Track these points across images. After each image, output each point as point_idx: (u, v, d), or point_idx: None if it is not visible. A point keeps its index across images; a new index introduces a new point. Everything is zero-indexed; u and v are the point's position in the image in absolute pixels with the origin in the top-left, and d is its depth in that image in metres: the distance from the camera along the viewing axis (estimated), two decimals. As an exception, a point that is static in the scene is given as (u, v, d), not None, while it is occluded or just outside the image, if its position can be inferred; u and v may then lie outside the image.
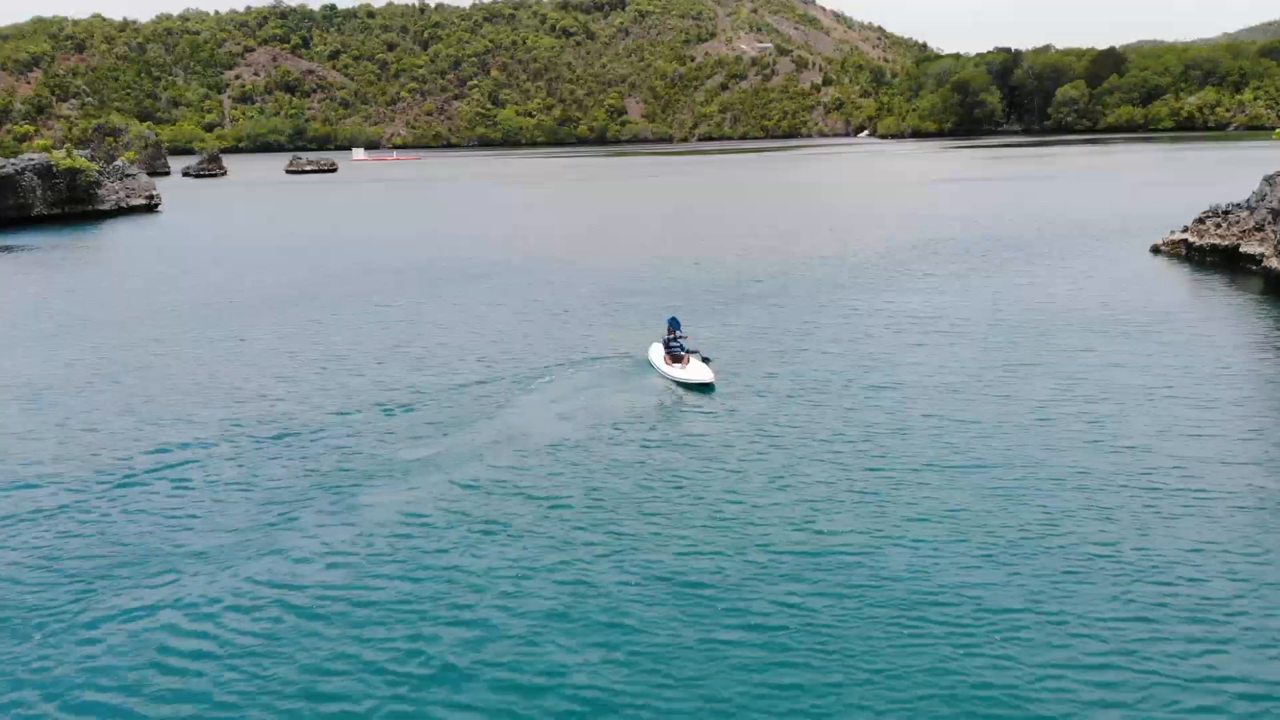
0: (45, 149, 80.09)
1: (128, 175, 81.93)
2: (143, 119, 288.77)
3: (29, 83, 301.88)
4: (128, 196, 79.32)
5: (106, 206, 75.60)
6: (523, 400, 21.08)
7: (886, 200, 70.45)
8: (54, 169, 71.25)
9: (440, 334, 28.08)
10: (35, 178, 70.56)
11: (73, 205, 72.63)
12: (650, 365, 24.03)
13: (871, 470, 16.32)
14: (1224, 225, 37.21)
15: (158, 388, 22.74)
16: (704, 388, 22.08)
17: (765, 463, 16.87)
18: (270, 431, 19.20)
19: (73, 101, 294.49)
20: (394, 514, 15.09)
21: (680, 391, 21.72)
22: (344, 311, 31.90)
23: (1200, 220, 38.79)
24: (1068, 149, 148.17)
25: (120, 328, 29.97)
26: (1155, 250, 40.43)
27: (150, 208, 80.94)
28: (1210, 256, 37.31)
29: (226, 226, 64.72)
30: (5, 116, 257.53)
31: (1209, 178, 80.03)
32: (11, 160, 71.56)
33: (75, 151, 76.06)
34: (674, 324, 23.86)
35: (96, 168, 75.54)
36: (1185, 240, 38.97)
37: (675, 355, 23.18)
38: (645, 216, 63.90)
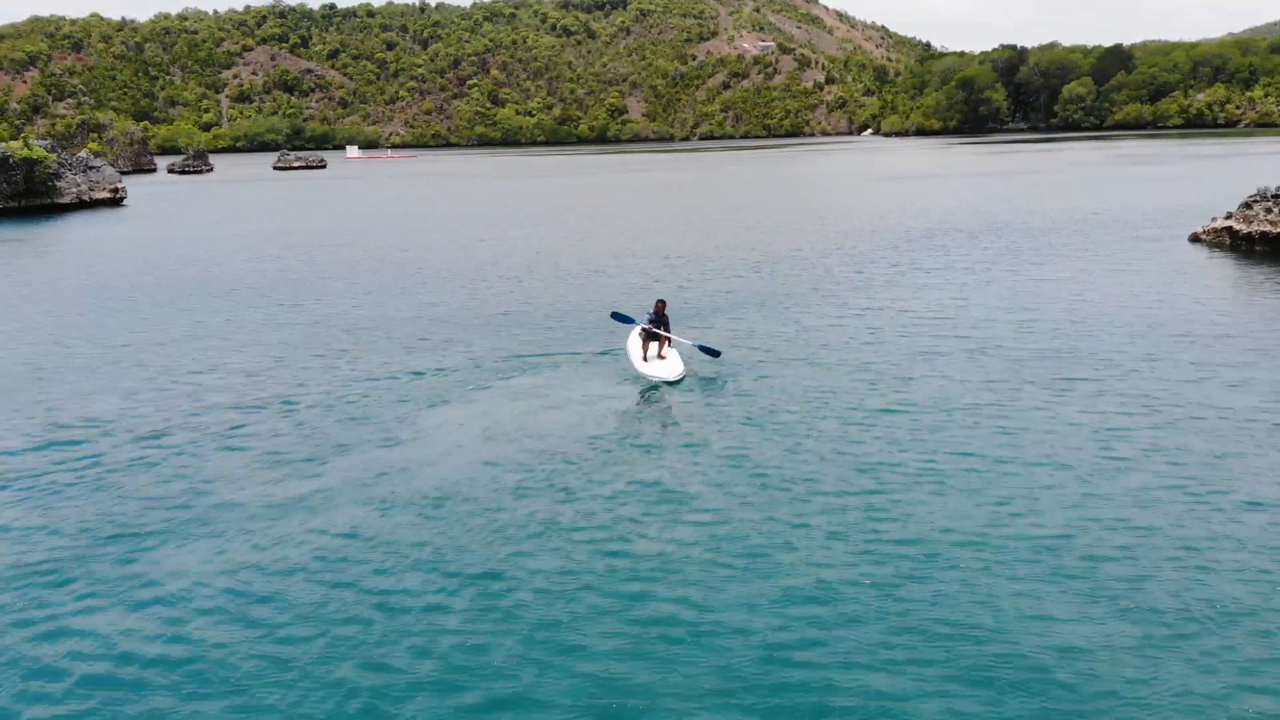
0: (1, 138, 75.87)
1: (91, 168, 77.77)
2: (140, 118, 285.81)
3: (25, 82, 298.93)
4: (90, 189, 75.16)
5: (66, 199, 71.48)
6: (447, 414, 16.69)
7: (893, 194, 65.89)
8: (10, 160, 67.10)
9: (371, 333, 23.59)
10: (-10, 169, 66.48)
11: (30, 198, 68.53)
12: (628, 356, 20.18)
13: (879, 531, 11.58)
14: (1275, 210, 32.84)
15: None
16: (671, 384, 18.35)
17: (738, 514, 12.26)
18: (96, 452, 14.89)
19: (69, 100, 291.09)
20: (217, 576, 10.75)
21: (645, 405, 17.28)
22: (269, 309, 27.54)
23: (1247, 205, 34.40)
24: (1077, 145, 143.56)
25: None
26: (1195, 239, 36.07)
27: (115, 201, 76.85)
28: (1260, 245, 32.94)
29: (188, 221, 60.39)
30: (1, 115, 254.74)
31: (1225, 170, 75.73)
32: (-36, 151, 67.48)
33: (34, 142, 71.83)
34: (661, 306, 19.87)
35: (55, 158, 71.38)
36: (1229, 228, 34.60)
37: (653, 332, 19.38)
38: (631, 210, 59.47)
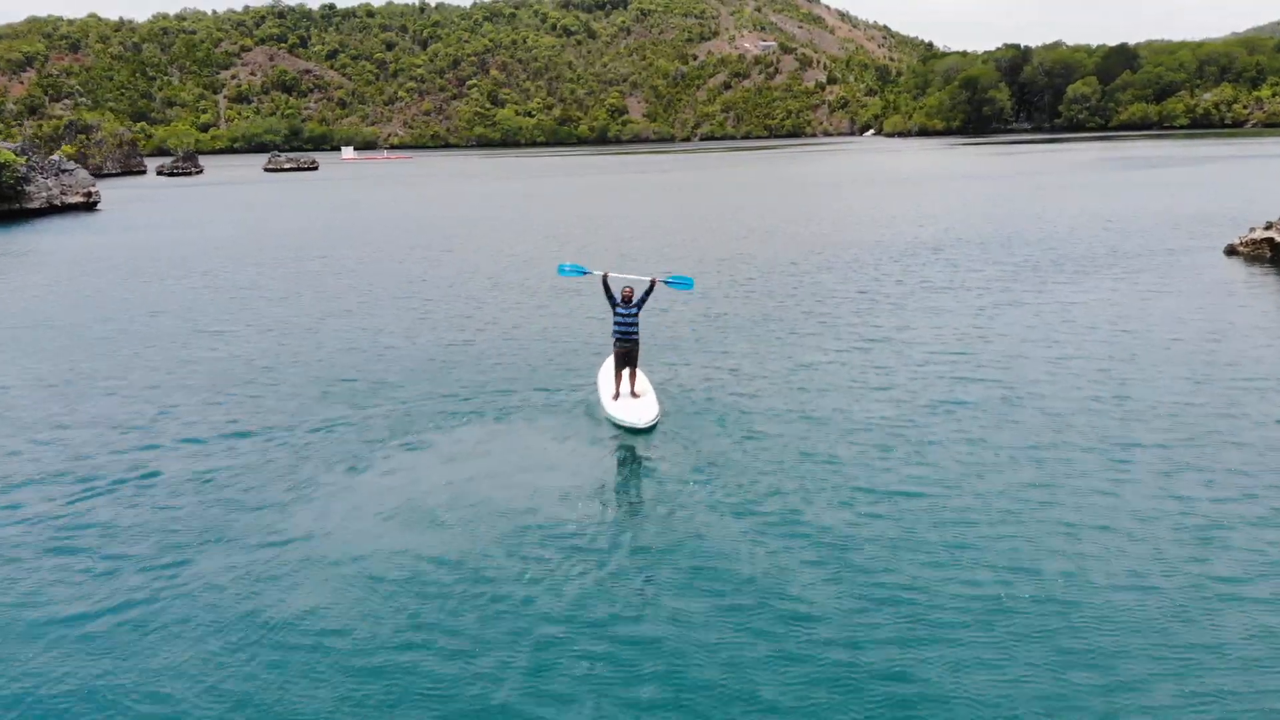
0: (-38, 140, 72.64)
1: (64, 171, 74.58)
2: (137, 119, 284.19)
3: (22, 83, 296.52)
4: (62, 194, 72.03)
5: (36, 204, 68.36)
6: (358, 485, 13.43)
7: (896, 198, 62.53)
8: (-26, 163, 64.04)
9: (286, 373, 20.17)
10: (-48, 173, 63.38)
11: (-4, 203, 65.50)
12: (597, 389, 17.46)
13: (896, 700, 8.42)
14: (1324, 221, 29.57)
15: None
16: (641, 432, 15.50)
17: (700, 667, 9.07)
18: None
19: (66, 101, 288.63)
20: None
21: (604, 472, 13.98)
22: (175, 341, 24.21)
23: (1291, 215, 31.16)
24: (1083, 145, 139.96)
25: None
26: (1231, 251, 32.78)
27: (88, 206, 73.74)
28: (1307, 260, 29.71)
29: (152, 229, 57.16)
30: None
31: (1241, 172, 72.49)
32: (-74, 154, 64.44)
33: (2, 145, 68.62)
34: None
35: (23, 161, 68.18)
36: (1270, 239, 31.32)
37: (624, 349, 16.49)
38: (620, 213, 56.10)
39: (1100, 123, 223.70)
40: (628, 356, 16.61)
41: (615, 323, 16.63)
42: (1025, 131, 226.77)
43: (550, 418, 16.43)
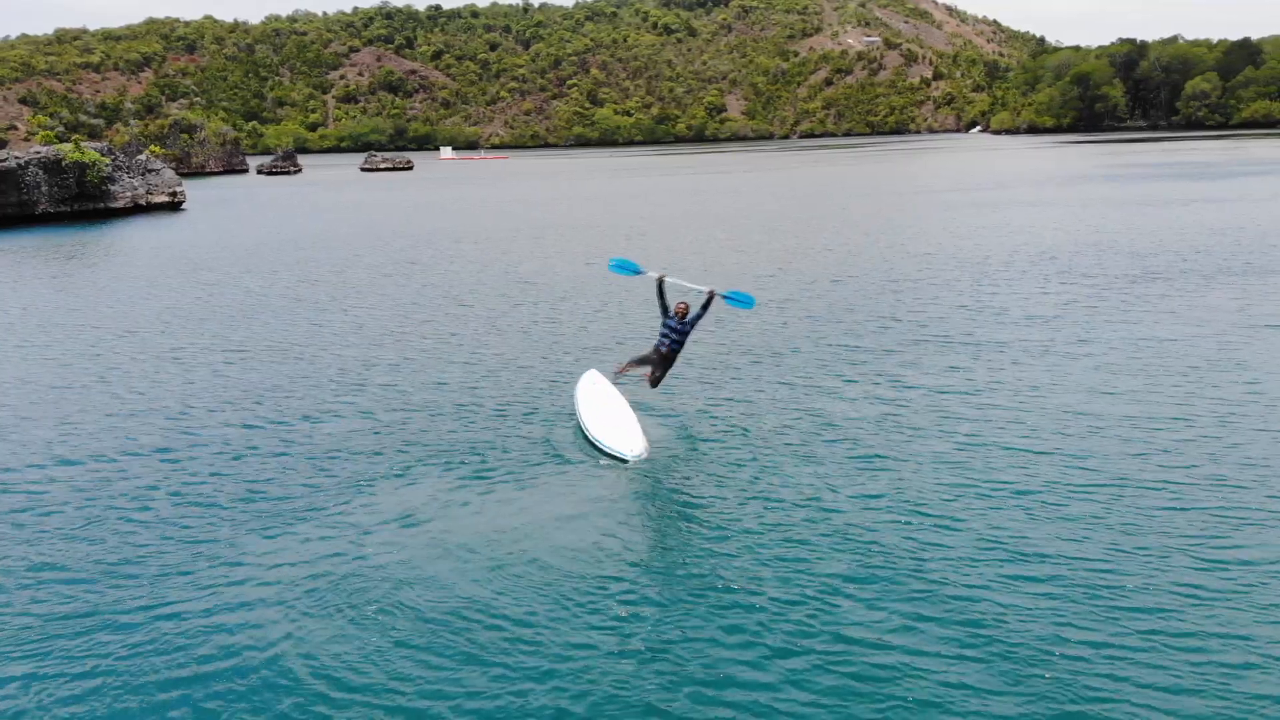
0: (49, 141, 74.08)
1: (150, 171, 75.52)
2: (249, 119, 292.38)
3: (140, 83, 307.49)
4: (148, 194, 72.97)
5: (120, 204, 69.30)
6: (264, 570, 11.55)
7: (1003, 206, 58.67)
8: (62, 163, 65.09)
9: (231, 409, 18.63)
10: (40, 172, 64.44)
11: (82, 202, 66.50)
12: (575, 408, 15.87)
13: None
14: None
15: None
16: (623, 463, 13.88)
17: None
18: None
19: (181, 101, 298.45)
20: None
21: (563, 539, 11.66)
22: (144, 367, 22.76)
23: None
24: (1204, 145, 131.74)
25: None
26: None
27: (174, 206, 74.58)
28: None
29: (242, 227, 57.20)
30: (116, 115, 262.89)
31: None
32: (15, 154, 65.71)
33: (85, 144, 69.67)
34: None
35: (108, 161, 69.09)
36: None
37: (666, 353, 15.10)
38: (680, 215, 53.68)
39: (1220, 120, 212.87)
40: (663, 360, 15.17)
41: (661, 334, 15.03)
42: (1140, 129, 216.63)
43: (511, 468, 14.26)
